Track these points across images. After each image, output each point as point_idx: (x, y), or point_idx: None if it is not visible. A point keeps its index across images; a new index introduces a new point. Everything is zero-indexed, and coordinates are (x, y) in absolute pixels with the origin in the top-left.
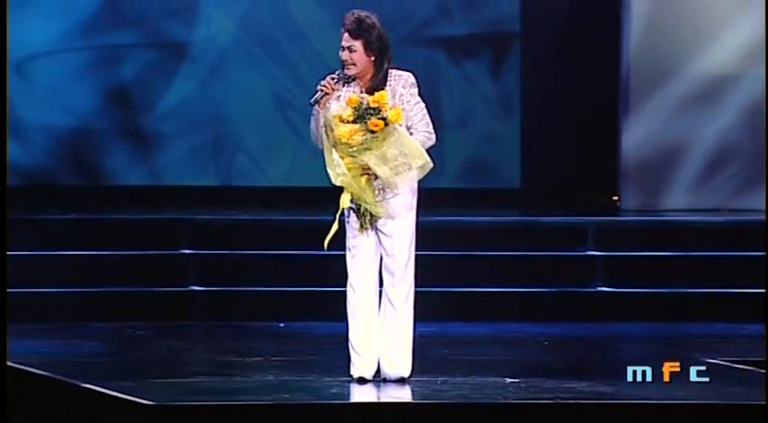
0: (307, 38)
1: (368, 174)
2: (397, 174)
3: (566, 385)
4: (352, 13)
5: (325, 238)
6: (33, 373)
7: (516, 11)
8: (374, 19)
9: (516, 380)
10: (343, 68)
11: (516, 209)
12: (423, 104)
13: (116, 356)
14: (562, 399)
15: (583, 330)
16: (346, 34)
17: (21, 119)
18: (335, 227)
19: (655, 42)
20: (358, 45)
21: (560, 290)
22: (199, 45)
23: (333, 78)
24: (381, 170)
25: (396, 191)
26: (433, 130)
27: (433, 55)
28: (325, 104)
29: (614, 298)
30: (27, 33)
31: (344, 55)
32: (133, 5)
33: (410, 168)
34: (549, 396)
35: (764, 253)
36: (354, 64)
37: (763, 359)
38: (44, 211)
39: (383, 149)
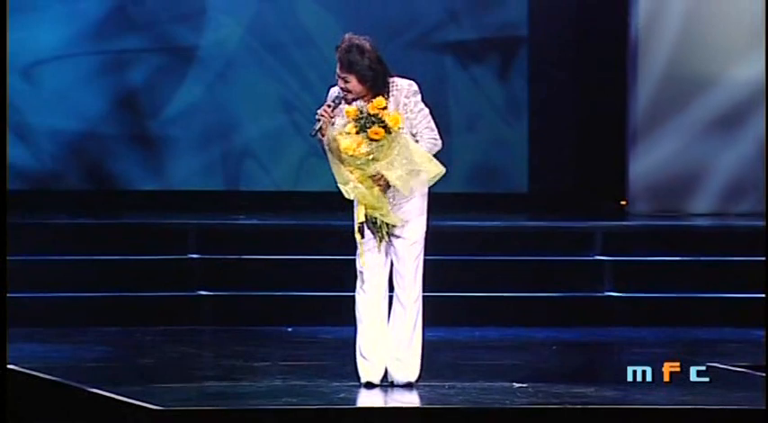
0: (314, 42)
1: (379, 185)
2: (408, 178)
3: (574, 390)
4: (343, 42)
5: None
6: (40, 378)
7: (524, 15)
8: (365, 45)
9: (524, 385)
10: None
11: (524, 213)
12: (426, 110)
13: (123, 361)
14: (570, 404)
15: (591, 335)
16: (339, 65)
17: (28, 123)
18: (360, 245)
19: (673, 56)
20: (351, 78)
21: (568, 294)
22: (207, 49)
23: (329, 105)
24: (392, 174)
25: (408, 196)
26: (438, 136)
27: (440, 59)
28: (325, 132)
29: (622, 302)
30: (35, 38)
31: (340, 84)
32: (141, 10)
33: (420, 174)
34: (556, 401)
35: (766, 258)
36: (351, 92)
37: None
38: (51, 215)
39: (391, 158)
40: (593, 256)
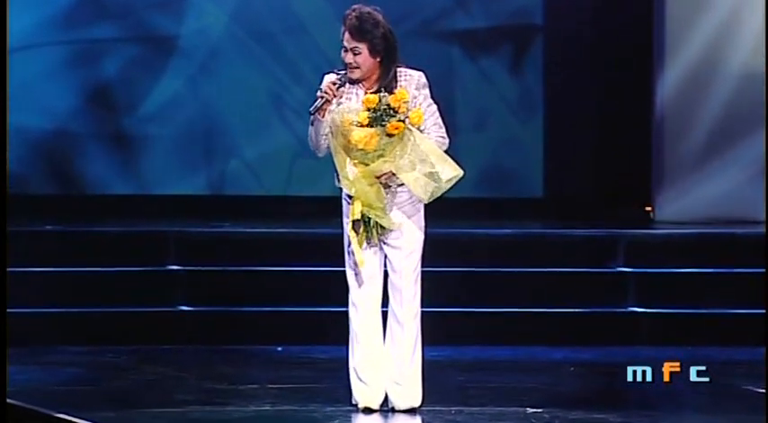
0: (306, 31)
1: (382, 183)
2: (428, 180)
3: (594, 416)
4: (353, 10)
5: (345, 253)
6: (6, 403)
7: (539, 1)
8: (377, 16)
9: (539, 410)
10: (345, 69)
11: (538, 220)
12: (435, 106)
13: (95, 384)
14: None
15: (612, 355)
16: (348, 35)
17: None
18: (355, 240)
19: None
20: (362, 47)
21: (588, 310)
22: (188, 39)
23: (334, 83)
24: (409, 176)
25: (411, 201)
26: (445, 134)
27: (446, 50)
28: (326, 112)
29: (647, 319)
30: None
31: (347, 57)
32: None
33: (436, 179)
34: None
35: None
36: (358, 67)
37: None
38: (16, 223)
39: (403, 156)
40: (615, 268)
